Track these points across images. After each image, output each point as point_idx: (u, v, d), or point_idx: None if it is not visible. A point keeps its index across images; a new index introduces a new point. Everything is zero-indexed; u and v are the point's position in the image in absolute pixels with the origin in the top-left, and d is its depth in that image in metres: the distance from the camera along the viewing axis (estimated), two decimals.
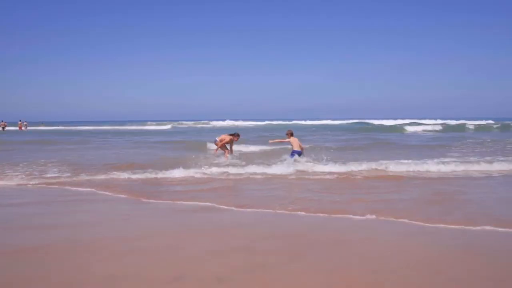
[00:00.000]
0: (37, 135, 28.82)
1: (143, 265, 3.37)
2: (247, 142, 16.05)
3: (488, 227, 4.53)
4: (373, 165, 9.31)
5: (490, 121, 48.73)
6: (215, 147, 14.36)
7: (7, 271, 3.26)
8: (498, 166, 9.30)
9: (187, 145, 15.64)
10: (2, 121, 42.76)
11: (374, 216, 5.06)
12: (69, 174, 8.60)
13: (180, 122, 65.34)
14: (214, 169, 8.84)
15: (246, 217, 5.25)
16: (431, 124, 40.88)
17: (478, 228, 4.53)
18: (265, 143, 16.70)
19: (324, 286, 2.98)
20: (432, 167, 9.20)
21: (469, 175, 8.64)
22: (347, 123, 56.23)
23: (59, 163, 10.43)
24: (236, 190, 7.33)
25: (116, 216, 5.34)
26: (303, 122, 58.99)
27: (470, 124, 40.73)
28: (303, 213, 5.34)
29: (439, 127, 36.83)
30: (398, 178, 8.19)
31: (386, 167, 9.10)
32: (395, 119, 60.18)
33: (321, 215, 5.24)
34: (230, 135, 11.88)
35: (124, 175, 8.31)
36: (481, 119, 54.71)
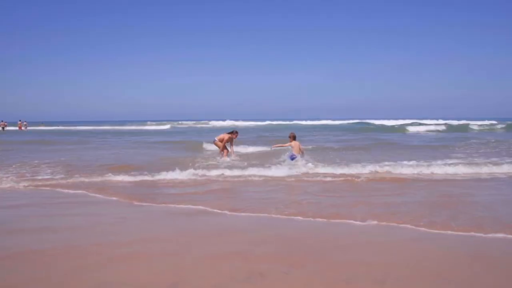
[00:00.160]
0: (36, 135, 28.68)
1: (137, 272, 3.22)
2: (246, 142, 15.81)
3: (500, 235, 4.25)
4: (375, 167, 9.05)
5: (493, 121, 48.39)
6: (211, 147, 14.17)
7: None
8: (506, 168, 9.00)
9: (185, 146, 15.42)
10: (2, 121, 42.69)
11: (375, 222, 4.80)
12: (62, 176, 8.36)
13: (180, 122, 65.23)
14: (211, 171, 8.58)
15: (240, 222, 5.01)
16: (433, 124, 40.54)
17: (489, 235, 4.26)
18: (264, 143, 16.48)
19: None
20: (437, 168, 8.91)
21: (475, 176, 8.37)
22: (348, 123, 55.92)
23: (53, 164, 10.21)
24: (232, 193, 7.07)
25: (107, 220, 5.11)
26: (303, 122, 58.73)
27: (473, 124, 40.43)
28: (300, 217, 5.09)
29: (441, 127, 36.50)
30: (401, 180, 7.92)
31: (388, 169, 8.83)
32: (395, 119, 59.87)
33: (320, 220, 4.99)
34: (229, 133, 11.70)
35: (118, 177, 8.06)
36: (481, 119, 54.35)
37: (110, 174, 8.40)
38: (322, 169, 8.79)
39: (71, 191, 6.94)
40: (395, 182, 7.75)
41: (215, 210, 5.48)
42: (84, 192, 6.88)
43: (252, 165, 9.63)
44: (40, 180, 7.94)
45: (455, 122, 45.41)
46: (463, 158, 11.12)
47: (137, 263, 3.43)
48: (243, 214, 5.31)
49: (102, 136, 27.57)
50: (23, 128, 44.29)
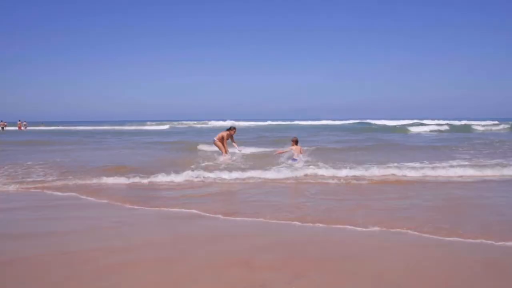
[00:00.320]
0: (35, 135, 28.49)
1: (131, 282, 3.05)
2: (246, 143, 15.53)
3: (511, 243, 3.99)
4: (377, 168, 8.78)
5: (496, 121, 48.02)
6: (207, 147, 13.91)
7: None
8: None
9: (182, 146, 15.13)
10: (2, 121, 42.56)
11: (377, 228, 4.54)
12: (54, 178, 8.12)
13: (181, 122, 65.03)
14: (209, 173, 8.29)
15: (237, 227, 4.76)
16: (434, 124, 40.18)
17: (500, 243, 3.99)
18: (265, 144, 16.23)
19: None
20: (442, 170, 8.60)
21: (481, 178, 8.08)
22: (349, 123, 55.60)
23: (47, 165, 9.97)
24: (229, 196, 6.80)
25: (101, 224, 4.88)
26: (303, 123, 58.44)
27: (476, 124, 40.08)
28: (298, 223, 4.83)
29: (443, 128, 36.16)
30: (404, 183, 7.63)
31: (391, 171, 8.53)
32: (395, 119, 59.54)
33: (320, 225, 4.73)
34: (227, 130, 11.50)
35: (113, 179, 7.80)
36: (481, 119, 53.95)
37: (104, 175, 8.15)
38: (322, 171, 8.49)
39: (62, 194, 6.70)
40: (398, 185, 7.48)
41: (212, 215, 5.23)
42: (75, 194, 6.64)
43: (251, 167, 9.37)
44: (30, 182, 7.69)
45: (456, 122, 45.04)
46: (468, 159, 10.83)
47: (132, 272, 3.25)
48: (240, 218, 5.06)
49: (101, 136, 27.35)
50: (22, 128, 44.16)
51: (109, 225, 4.82)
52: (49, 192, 6.85)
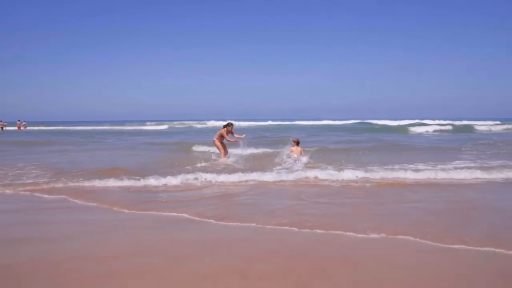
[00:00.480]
0: (34, 136, 28.33)
1: None
2: (245, 144, 15.27)
3: None
4: (380, 170, 8.51)
5: (497, 122, 47.67)
6: (201, 148, 13.66)
7: None
8: None
9: (180, 147, 14.88)
10: (1, 121, 42.41)
11: (378, 235, 4.28)
12: (45, 180, 7.87)
13: (179, 122, 64.82)
14: (205, 175, 7.95)
15: (234, 232, 4.50)
16: (436, 125, 39.85)
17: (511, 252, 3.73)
18: (265, 145, 15.95)
19: None
20: (447, 172, 8.29)
21: (488, 180, 7.79)
22: (350, 123, 55.29)
23: (41, 167, 9.73)
24: (226, 199, 6.52)
25: (89, 230, 4.64)
26: (304, 123, 58.15)
27: (478, 124, 39.73)
28: (295, 228, 4.57)
29: (445, 128, 35.83)
30: (408, 185, 7.35)
31: (394, 172, 8.23)
32: (395, 119, 59.26)
33: (319, 231, 4.47)
34: (224, 128, 11.31)
35: (106, 182, 7.51)
36: (481, 119, 53.59)
37: (98, 178, 7.90)
38: (322, 173, 8.20)
39: (49, 197, 6.45)
40: (400, 187, 7.21)
41: (205, 220, 4.98)
42: (63, 197, 6.39)
43: (250, 168, 9.13)
44: (20, 184, 7.45)
45: (457, 123, 44.71)
46: (473, 161, 10.56)
47: (122, 282, 3.05)
48: (235, 224, 4.80)
49: (100, 136, 27.16)
50: (22, 128, 44.04)
51: (96, 230, 4.58)
52: (38, 195, 6.61)
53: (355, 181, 7.67)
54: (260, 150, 13.20)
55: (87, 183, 7.47)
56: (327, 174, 8.09)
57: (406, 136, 25.67)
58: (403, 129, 35.65)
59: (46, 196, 6.51)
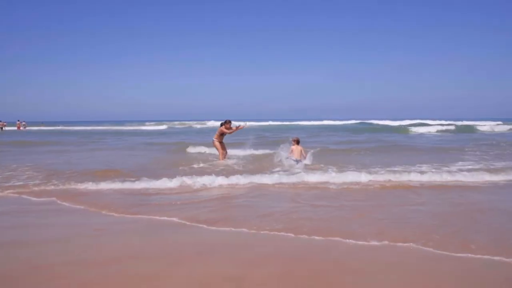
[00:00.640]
0: (33, 136, 28.17)
1: None
2: (245, 144, 15.03)
3: None
4: (382, 172, 8.23)
5: (499, 122, 47.36)
6: (198, 149, 13.45)
7: None
8: None
9: (178, 148, 14.62)
10: (1, 121, 42.29)
11: (378, 242, 4.05)
12: (37, 182, 7.64)
13: (182, 122, 64.68)
14: (202, 177, 7.60)
15: (230, 238, 4.28)
16: (437, 125, 39.56)
17: None
18: (265, 145, 15.73)
19: None
20: (451, 174, 7.99)
21: (494, 183, 7.52)
22: (351, 123, 55.01)
23: (35, 168, 9.51)
24: (221, 203, 6.26)
25: (79, 234, 4.45)
26: (305, 123, 57.90)
27: (480, 125, 39.42)
28: (291, 234, 4.35)
29: (446, 128, 35.53)
30: (411, 187, 7.07)
31: (397, 174, 7.93)
32: (395, 119, 59.02)
33: (317, 238, 4.24)
34: (221, 125, 11.10)
35: (100, 184, 7.23)
36: (481, 119, 53.27)
37: (91, 179, 7.67)
38: (322, 175, 7.92)
39: (39, 199, 6.23)
40: (403, 189, 6.95)
41: (199, 224, 4.75)
42: (53, 200, 6.17)
43: (249, 170, 8.90)
44: (10, 186, 7.22)
45: (458, 123, 44.40)
46: (476, 162, 10.30)
47: None
48: (230, 229, 4.58)
49: (99, 136, 26.96)
50: (21, 128, 43.92)
51: (83, 235, 4.37)
52: (26, 197, 6.39)
53: (356, 183, 7.41)
54: (259, 151, 12.95)
55: (79, 185, 7.23)
56: (327, 176, 7.84)
57: (407, 137, 25.41)
58: (404, 129, 35.38)
59: (34, 198, 6.29)
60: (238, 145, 14.55)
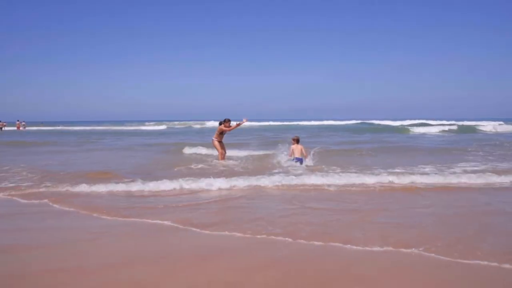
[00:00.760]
0: (32, 136, 28.02)
1: None
2: (244, 145, 14.86)
3: None
4: (385, 173, 7.96)
5: (500, 122, 47.11)
6: (196, 150, 13.29)
7: None
8: None
9: (177, 148, 14.38)
10: (0, 121, 42.16)
11: (381, 248, 3.84)
12: (29, 183, 7.45)
13: (181, 122, 64.56)
14: (199, 180, 7.32)
15: (226, 242, 4.09)
16: (439, 125, 39.31)
17: None
18: (265, 146, 15.54)
19: None
20: (456, 176, 7.76)
21: (501, 185, 7.29)
22: (353, 123, 54.78)
23: (29, 169, 9.31)
24: (218, 206, 6.02)
25: (72, 238, 4.27)
26: (305, 123, 57.70)
27: (482, 125, 39.16)
28: (289, 239, 4.15)
29: (448, 128, 35.27)
30: (414, 189, 6.83)
31: (400, 176, 7.67)
32: (395, 119, 58.83)
33: (316, 243, 4.04)
34: (220, 124, 10.93)
35: (94, 186, 6.97)
36: (481, 119, 53.03)
37: (85, 181, 7.47)
38: (323, 177, 7.69)
39: (31, 202, 6.04)
40: (406, 191, 6.73)
41: (194, 228, 4.54)
42: (44, 202, 5.98)
43: (247, 171, 8.70)
44: (1, 188, 7.01)
45: (459, 123, 44.14)
46: (481, 162, 10.08)
47: None
48: (224, 233, 4.38)
49: (98, 137, 26.79)
50: (21, 128, 43.78)
51: (73, 240, 4.19)
52: (17, 199, 6.19)
53: (358, 185, 7.20)
54: (259, 152, 12.75)
55: (72, 187, 7.00)
56: (327, 178, 7.62)
57: (409, 137, 25.18)
58: (405, 129, 35.15)
59: (24, 201, 6.09)
60: (238, 145, 14.36)
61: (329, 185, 7.17)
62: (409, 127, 37.16)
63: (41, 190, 6.87)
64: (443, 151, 13.61)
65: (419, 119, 56.36)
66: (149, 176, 8.13)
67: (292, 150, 10.07)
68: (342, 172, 8.41)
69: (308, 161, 9.98)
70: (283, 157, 10.43)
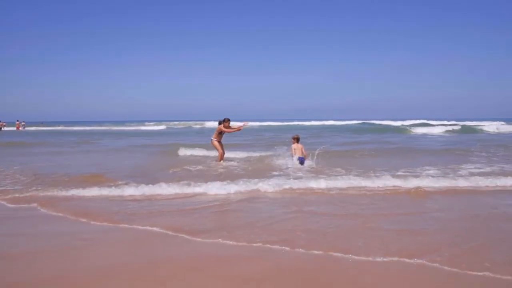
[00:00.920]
0: (30, 136, 27.85)
1: None
2: (241, 147, 14.61)
3: None
4: (389, 176, 7.65)
5: (502, 122, 46.81)
6: (189, 152, 13.09)
7: None
8: None
9: (175, 149, 14.13)
10: (0, 121, 42.02)
11: (384, 258, 3.60)
12: (19, 187, 7.19)
13: (181, 122, 64.44)
14: (196, 184, 7.03)
15: (222, 251, 3.84)
16: (440, 125, 39.01)
17: None
18: (264, 147, 15.30)
19: None
20: (463, 178, 7.47)
21: (510, 188, 7.03)
22: (353, 124, 54.48)
23: (22, 171, 9.08)
24: (213, 212, 5.75)
25: (60, 245, 4.06)
26: (306, 123, 57.45)
27: (484, 125, 38.86)
28: (287, 248, 3.90)
29: (450, 128, 34.96)
30: (419, 193, 6.54)
31: (404, 179, 7.38)
32: (396, 119, 58.63)
33: (316, 252, 3.79)
34: (220, 124, 10.71)
35: (83, 189, 6.72)
36: (481, 119, 52.74)
37: (77, 184, 7.22)
38: (324, 180, 7.36)
39: (18, 206, 5.80)
40: (412, 195, 6.44)
41: (183, 235, 4.30)
42: (35, 206, 5.74)
43: (246, 174, 8.43)
44: None
45: (460, 123, 43.84)
46: (486, 164, 9.81)
47: None
48: (218, 240, 4.14)
49: (97, 137, 26.59)
50: (21, 128, 43.64)
51: (59, 247, 3.98)
52: (3, 203, 5.96)
53: (359, 189, 6.94)
54: (259, 153, 12.50)
55: (61, 191, 6.71)
56: (328, 180, 7.34)
57: (411, 137, 24.89)
58: (407, 129, 34.86)
59: (10, 205, 5.85)
60: (237, 146, 14.13)
61: (329, 189, 6.91)
62: (411, 128, 36.86)
63: (29, 194, 6.60)
64: (446, 152, 13.33)
65: (419, 119, 56.09)
66: (144, 179, 7.90)
67: (294, 149, 9.86)
68: (344, 174, 8.16)
69: (309, 162, 9.76)
70: (283, 159, 10.20)
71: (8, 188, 7.10)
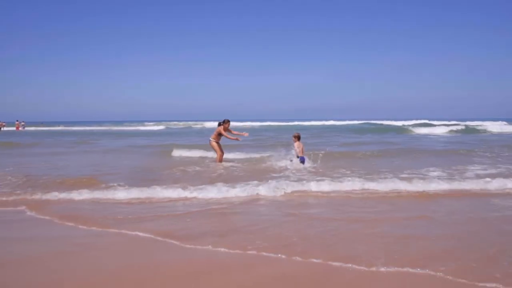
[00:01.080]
0: (30, 136, 27.70)
1: None
2: (241, 148, 14.35)
3: None
4: (392, 179, 7.36)
5: (504, 122, 46.48)
6: (178, 153, 12.89)
7: None
8: None
9: (171, 149, 13.91)
10: (0, 121, 41.92)
11: (387, 268, 3.35)
12: (7, 190, 6.93)
13: (181, 122, 64.35)
14: (193, 187, 6.68)
15: (208, 258, 3.59)
16: (442, 125, 38.70)
17: None
18: (264, 147, 15.07)
19: None
20: (470, 181, 7.18)
21: None
22: (354, 124, 54.19)
23: (14, 173, 8.81)
24: (209, 218, 5.55)
25: (48, 251, 3.88)
26: (306, 123, 57.22)
27: (487, 125, 38.53)
28: (283, 256, 3.66)
29: (453, 128, 34.65)
30: (423, 197, 6.28)
31: (408, 181, 7.08)
32: (395, 119, 58.40)
33: (314, 260, 3.55)
34: (219, 125, 10.50)
35: (74, 192, 6.42)
36: (482, 119, 52.41)
37: (69, 187, 6.98)
38: (325, 182, 7.04)
39: (6, 209, 5.58)
40: (416, 199, 6.18)
41: (178, 243, 4.06)
42: (23, 209, 5.52)
43: (245, 175, 8.17)
44: None
45: (461, 123, 43.52)
46: (491, 165, 9.53)
47: None
48: (208, 247, 3.90)
49: (96, 137, 26.41)
50: (20, 128, 43.53)
51: (65, 252, 3.81)
52: None
53: (361, 192, 6.67)
54: (259, 154, 12.24)
55: (52, 194, 6.44)
56: (329, 183, 7.05)
57: (413, 138, 24.60)
58: (408, 130, 34.58)
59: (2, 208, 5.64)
60: (237, 146, 13.89)
61: (330, 192, 6.66)
62: (413, 127, 36.56)
63: (18, 197, 6.37)
64: (450, 153, 13.05)
65: (419, 119, 55.78)
66: (138, 181, 7.66)
67: (297, 148, 9.68)
68: (346, 176, 7.89)
69: (310, 163, 9.54)
70: (283, 160, 9.98)
71: (2, 190, 6.86)
